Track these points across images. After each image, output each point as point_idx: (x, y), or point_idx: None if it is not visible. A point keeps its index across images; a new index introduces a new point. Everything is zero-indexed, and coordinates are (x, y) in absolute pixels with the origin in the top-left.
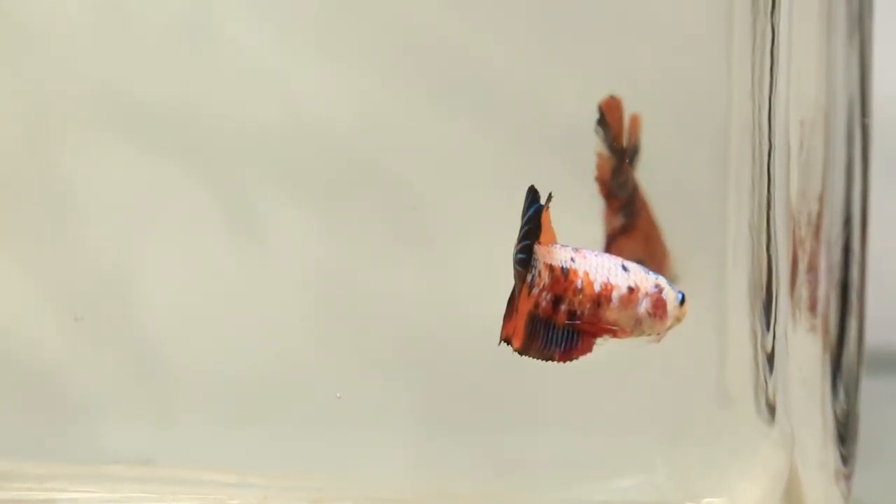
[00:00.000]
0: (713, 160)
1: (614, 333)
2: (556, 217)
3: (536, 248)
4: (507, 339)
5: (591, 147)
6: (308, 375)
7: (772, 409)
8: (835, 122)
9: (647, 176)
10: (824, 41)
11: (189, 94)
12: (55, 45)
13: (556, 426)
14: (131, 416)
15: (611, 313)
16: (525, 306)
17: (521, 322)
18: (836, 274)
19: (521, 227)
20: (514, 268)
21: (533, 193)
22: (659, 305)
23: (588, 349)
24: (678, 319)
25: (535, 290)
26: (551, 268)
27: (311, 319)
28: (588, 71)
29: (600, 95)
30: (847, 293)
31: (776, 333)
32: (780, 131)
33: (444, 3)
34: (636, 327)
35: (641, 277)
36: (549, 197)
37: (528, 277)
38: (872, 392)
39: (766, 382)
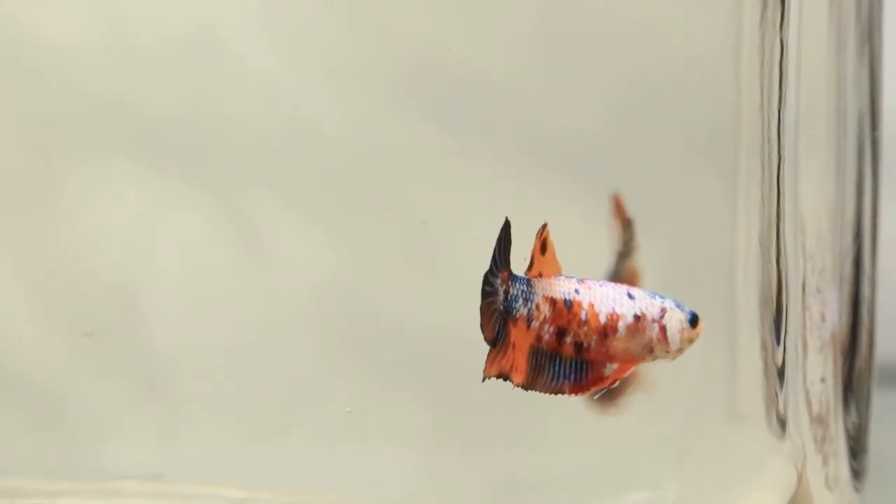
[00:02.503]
0: (723, 174)
1: (625, 363)
2: (562, 233)
3: (535, 281)
4: (502, 375)
5: (600, 163)
6: (317, 392)
7: (783, 424)
8: (845, 136)
9: (657, 190)
10: (834, 55)
11: (195, 111)
12: (62, 62)
13: (565, 442)
14: (140, 431)
15: (619, 343)
16: (524, 340)
17: (520, 356)
18: (847, 288)
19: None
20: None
21: (505, 226)
22: (666, 330)
23: (600, 379)
24: (690, 341)
25: (535, 324)
26: (552, 300)
27: (320, 336)
28: (597, 86)
29: (610, 111)
30: (858, 307)
31: (787, 347)
32: (790, 145)
33: (450, 19)
34: (647, 354)
35: (647, 303)
36: (544, 226)
37: (525, 311)
38: (883, 406)
39: (776, 396)
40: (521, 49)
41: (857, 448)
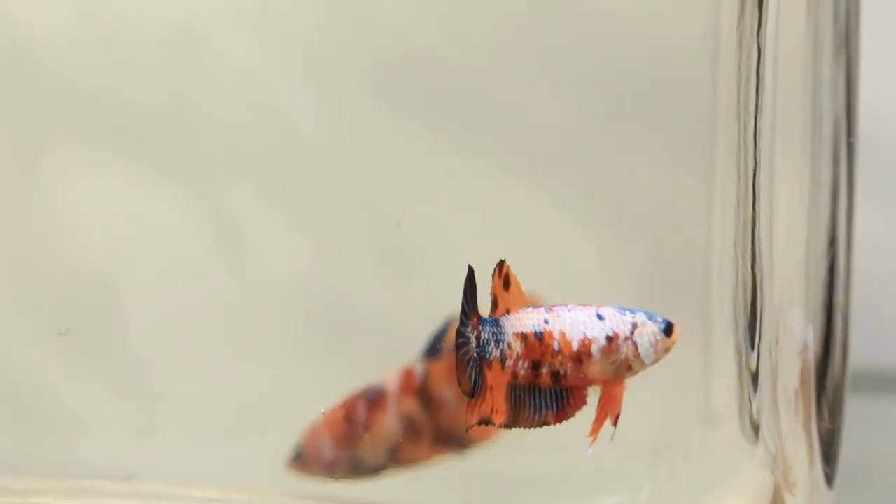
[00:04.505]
0: (698, 178)
1: (606, 384)
2: (539, 232)
3: (503, 320)
4: (484, 420)
5: (577, 164)
6: (293, 391)
7: (756, 429)
8: (820, 140)
9: (633, 194)
10: (811, 59)
11: (175, 104)
12: (41, 53)
13: (539, 444)
14: (115, 430)
15: (595, 367)
16: (500, 380)
17: (499, 397)
18: (821, 294)
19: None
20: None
21: (469, 274)
22: (638, 346)
23: (582, 402)
24: (666, 350)
25: (509, 363)
26: (524, 336)
27: (296, 335)
28: (574, 88)
29: (586, 113)
30: (831, 313)
31: (761, 352)
32: (766, 150)
33: (433, 19)
34: (626, 371)
35: (618, 321)
36: (502, 263)
37: (497, 353)
38: (857, 412)
39: (750, 401)
40: (500, 49)
41: (829, 453)
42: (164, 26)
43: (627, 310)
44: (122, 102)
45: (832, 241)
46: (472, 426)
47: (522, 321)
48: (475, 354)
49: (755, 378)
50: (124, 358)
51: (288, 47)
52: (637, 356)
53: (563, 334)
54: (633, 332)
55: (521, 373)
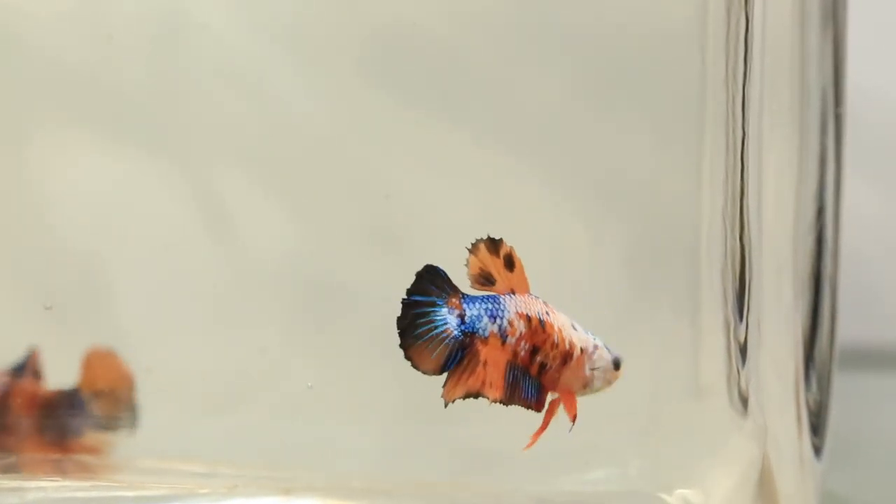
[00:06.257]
0: (686, 150)
1: (565, 393)
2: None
3: (504, 298)
4: (473, 394)
5: (564, 134)
6: (279, 366)
7: (744, 401)
8: (808, 111)
9: (621, 165)
10: (798, 30)
11: (163, 83)
12: (27, 33)
13: (527, 417)
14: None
15: (569, 372)
16: (499, 356)
17: (497, 372)
18: (809, 264)
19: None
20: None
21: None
22: (596, 369)
23: (541, 406)
24: (609, 383)
25: (511, 340)
26: (528, 318)
27: (283, 310)
28: (562, 58)
29: (574, 84)
30: (819, 283)
31: (749, 324)
32: (754, 120)
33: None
34: (581, 388)
35: (586, 338)
36: (497, 241)
37: (495, 328)
38: (850, 388)
39: (738, 373)
40: (488, 24)
41: (818, 425)
42: (151, 3)
43: (589, 331)
44: (110, 80)
45: (820, 212)
46: (454, 400)
47: (528, 304)
48: (455, 334)
49: (744, 350)
50: (109, 333)
51: (274, 23)
52: (591, 374)
53: (560, 330)
54: (594, 353)
55: (521, 354)
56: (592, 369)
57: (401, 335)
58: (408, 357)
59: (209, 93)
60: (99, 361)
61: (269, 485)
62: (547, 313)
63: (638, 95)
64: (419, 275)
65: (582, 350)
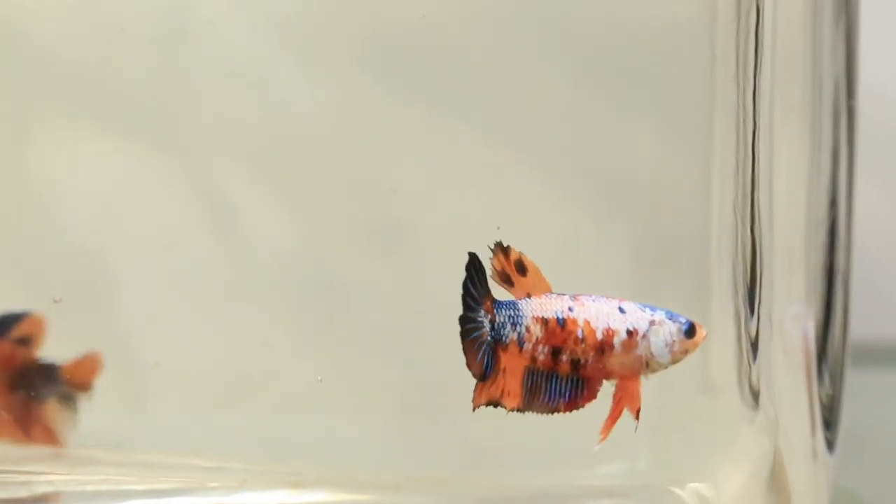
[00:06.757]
0: (697, 142)
1: (623, 378)
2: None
3: (522, 303)
4: (493, 402)
5: (573, 128)
6: (286, 361)
7: (756, 395)
8: (820, 103)
9: (631, 159)
10: (810, 22)
11: (165, 80)
12: (32, 31)
13: (536, 414)
14: (107, 399)
15: (615, 359)
16: (517, 364)
17: (514, 381)
18: (822, 257)
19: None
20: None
21: (472, 259)
22: (651, 345)
23: (594, 395)
24: (685, 352)
25: (528, 346)
26: (544, 321)
27: (287, 306)
28: (570, 52)
29: (584, 76)
30: (832, 276)
31: (760, 317)
32: (765, 113)
33: None
34: (643, 368)
35: (638, 317)
36: (506, 248)
37: (514, 335)
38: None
39: (750, 367)
40: (491, 19)
41: (830, 419)
42: (155, 1)
43: (648, 306)
44: (114, 78)
45: (832, 205)
46: (479, 407)
47: (544, 306)
48: (489, 338)
49: (755, 344)
50: (117, 327)
51: (277, 21)
52: (651, 355)
53: (587, 323)
54: (649, 330)
55: (541, 357)
56: (651, 348)
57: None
58: (464, 354)
59: (213, 90)
60: (91, 363)
61: (278, 479)
62: (570, 309)
63: (648, 89)
64: (470, 267)
65: (630, 332)
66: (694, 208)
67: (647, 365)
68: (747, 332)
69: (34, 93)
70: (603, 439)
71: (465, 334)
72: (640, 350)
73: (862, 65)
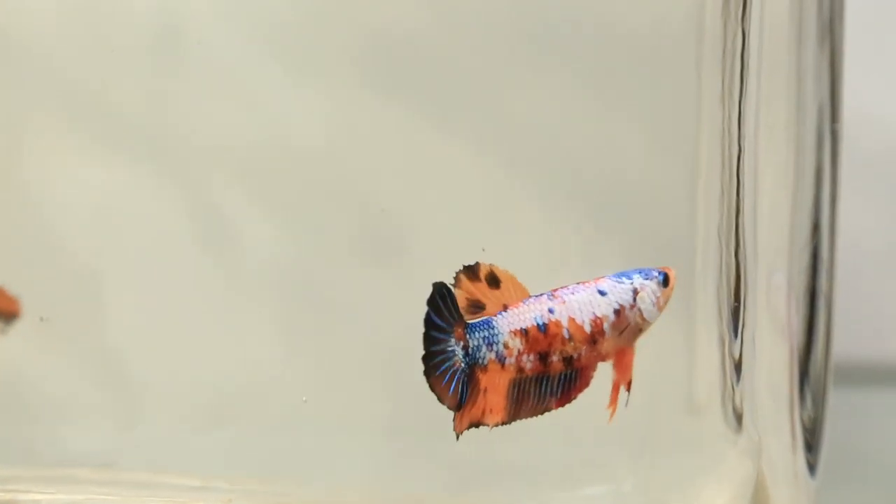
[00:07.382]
0: (682, 165)
1: (618, 354)
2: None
3: (496, 320)
4: (476, 423)
5: (562, 149)
6: (274, 380)
7: (739, 417)
8: (804, 127)
9: (616, 180)
10: (795, 46)
11: (158, 94)
12: (28, 46)
13: (521, 435)
14: (95, 418)
15: (609, 343)
16: (500, 380)
17: (496, 397)
18: (805, 280)
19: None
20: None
21: (436, 292)
22: (643, 311)
23: (587, 384)
24: (667, 300)
25: (510, 361)
26: (524, 332)
27: (278, 324)
28: (558, 72)
29: (573, 98)
30: (815, 300)
31: (744, 340)
32: (750, 136)
33: (417, 3)
34: (637, 336)
35: (620, 292)
36: (475, 267)
37: (493, 355)
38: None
39: (733, 390)
40: (484, 35)
41: (812, 442)
42: (147, 15)
43: (623, 274)
44: (105, 92)
45: (816, 228)
46: (462, 433)
47: (522, 316)
48: (463, 364)
49: (738, 366)
50: (105, 346)
51: (270, 35)
52: (644, 320)
53: (572, 320)
54: (635, 299)
55: (528, 366)
56: (642, 314)
57: (425, 372)
58: (432, 390)
59: (205, 104)
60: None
61: (264, 499)
62: (551, 311)
63: (633, 110)
64: (435, 297)
65: (618, 311)
66: (679, 230)
67: (640, 330)
68: (731, 354)
69: (27, 107)
70: (613, 413)
71: (429, 371)
72: (632, 321)
73: (846, 88)
